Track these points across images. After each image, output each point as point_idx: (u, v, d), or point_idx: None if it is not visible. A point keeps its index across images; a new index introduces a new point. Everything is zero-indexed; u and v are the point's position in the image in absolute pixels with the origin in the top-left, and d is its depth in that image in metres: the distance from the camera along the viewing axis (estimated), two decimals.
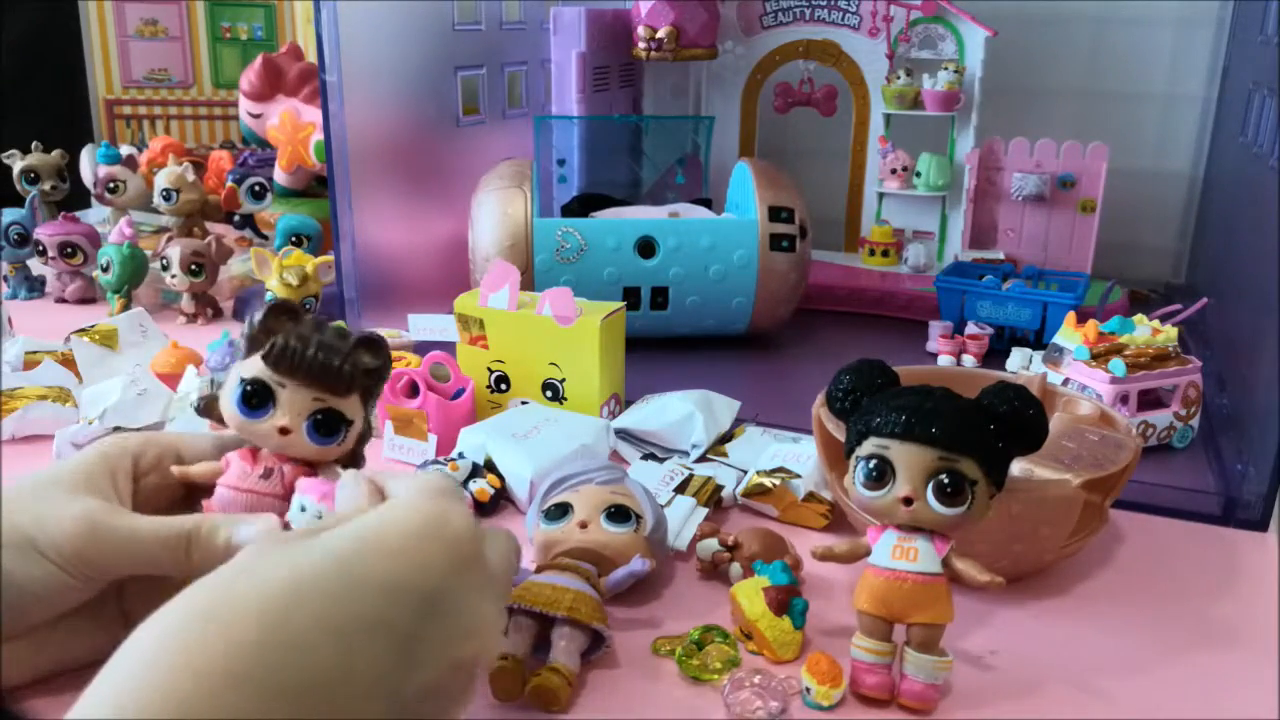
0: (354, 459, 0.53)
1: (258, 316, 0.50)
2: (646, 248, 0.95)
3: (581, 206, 1.06)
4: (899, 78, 1.17)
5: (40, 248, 1.14)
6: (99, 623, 0.49)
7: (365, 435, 0.53)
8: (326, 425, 0.50)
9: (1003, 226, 1.18)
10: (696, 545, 0.61)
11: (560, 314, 0.77)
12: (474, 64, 1.09)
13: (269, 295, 0.91)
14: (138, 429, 0.73)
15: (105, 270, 1.09)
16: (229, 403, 0.50)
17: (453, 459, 0.70)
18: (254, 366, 0.49)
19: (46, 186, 1.25)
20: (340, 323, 0.54)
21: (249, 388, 0.49)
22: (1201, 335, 1.01)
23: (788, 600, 0.53)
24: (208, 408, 0.52)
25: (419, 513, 0.38)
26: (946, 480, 0.47)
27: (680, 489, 0.67)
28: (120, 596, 0.50)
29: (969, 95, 1.15)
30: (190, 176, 1.21)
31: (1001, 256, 1.14)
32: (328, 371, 0.49)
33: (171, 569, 0.47)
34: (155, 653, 0.31)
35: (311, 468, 0.51)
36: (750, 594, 0.54)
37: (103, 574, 0.47)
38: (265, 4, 1.94)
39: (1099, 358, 0.78)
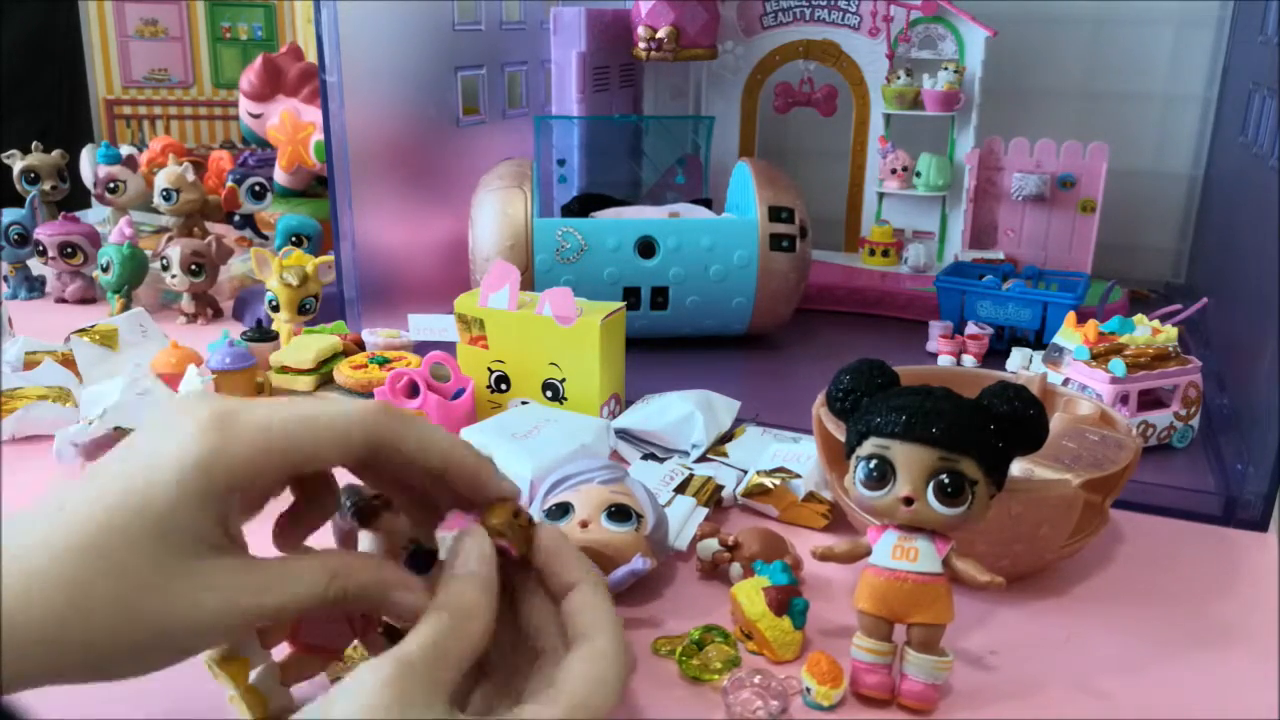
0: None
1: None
2: (646, 248, 0.95)
3: (581, 206, 1.06)
4: (899, 78, 1.17)
5: (40, 248, 1.14)
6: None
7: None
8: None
9: (1003, 226, 1.18)
10: (696, 545, 0.61)
11: (560, 314, 0.77)
12: (474, 64, 1.09)
13: (269, 296, 0.91)
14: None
15: (105, 270, 1.09)
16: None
17: None
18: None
19: (46, 186, 1.25)
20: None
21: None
22: (1201, 335, 1.01)
23: (788, 600, 0.53)
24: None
25: None
26: (947, 480, 0.47)
27: (680, 489, 0.67)
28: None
29: (969, 95, 1.15)
30: (190, 176, 1.21)
31: (1001, 256, 1.14)
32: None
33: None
34: None
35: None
36: (750, 594, 0.53)
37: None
38: (265, 4, 1.94)
39: (1099, 358, 0.78)
